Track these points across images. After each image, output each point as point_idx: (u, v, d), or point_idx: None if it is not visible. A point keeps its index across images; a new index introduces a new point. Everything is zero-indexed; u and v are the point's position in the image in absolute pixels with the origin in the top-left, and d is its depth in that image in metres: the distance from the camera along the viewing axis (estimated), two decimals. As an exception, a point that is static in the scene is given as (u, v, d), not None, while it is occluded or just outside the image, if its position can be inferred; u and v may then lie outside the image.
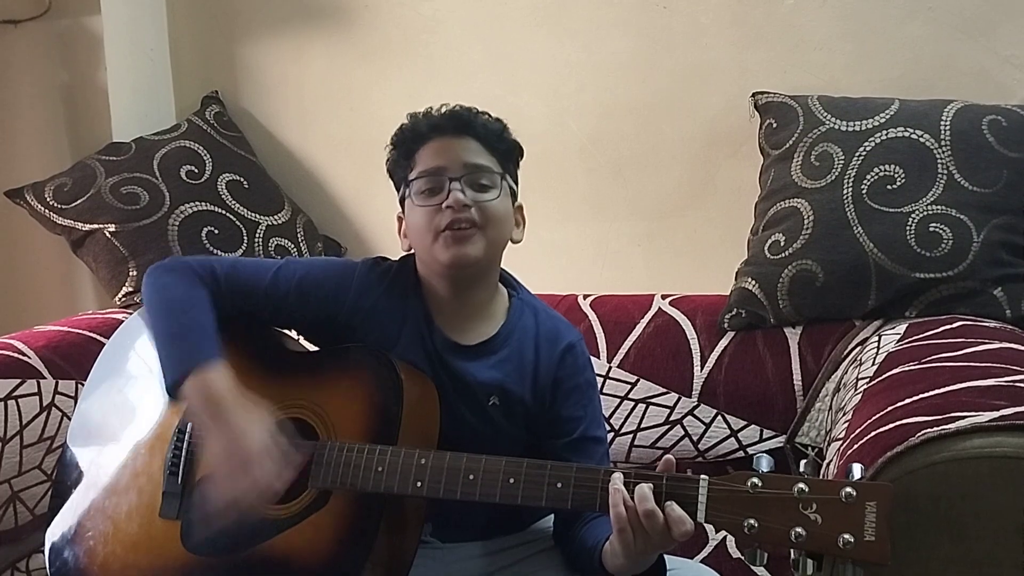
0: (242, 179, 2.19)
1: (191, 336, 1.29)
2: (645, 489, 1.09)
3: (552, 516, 1.39)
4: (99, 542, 1.36)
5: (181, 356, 1.26)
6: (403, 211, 1.39)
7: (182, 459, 1.35)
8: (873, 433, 1.18)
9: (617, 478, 1.11)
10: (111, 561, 1.35)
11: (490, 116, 1.37)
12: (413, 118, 1.37)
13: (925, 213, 1.67)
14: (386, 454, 1.22)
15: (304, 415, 1.31)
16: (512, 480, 1.17)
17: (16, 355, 1.67)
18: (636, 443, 1.78)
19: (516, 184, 1.38)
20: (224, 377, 1.25)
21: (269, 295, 1.36)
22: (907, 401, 1.23)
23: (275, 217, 2.18)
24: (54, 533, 1.41)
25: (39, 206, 2.08)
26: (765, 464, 1.09)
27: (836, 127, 1.77)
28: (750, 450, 1.72)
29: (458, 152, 1.33)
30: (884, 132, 1.73)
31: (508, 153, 1.37)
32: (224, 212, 2.12)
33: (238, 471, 1.19)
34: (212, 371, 1.24)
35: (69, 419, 1.66)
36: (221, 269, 1.36)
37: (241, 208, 2.14)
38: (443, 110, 1.36)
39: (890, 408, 1.23)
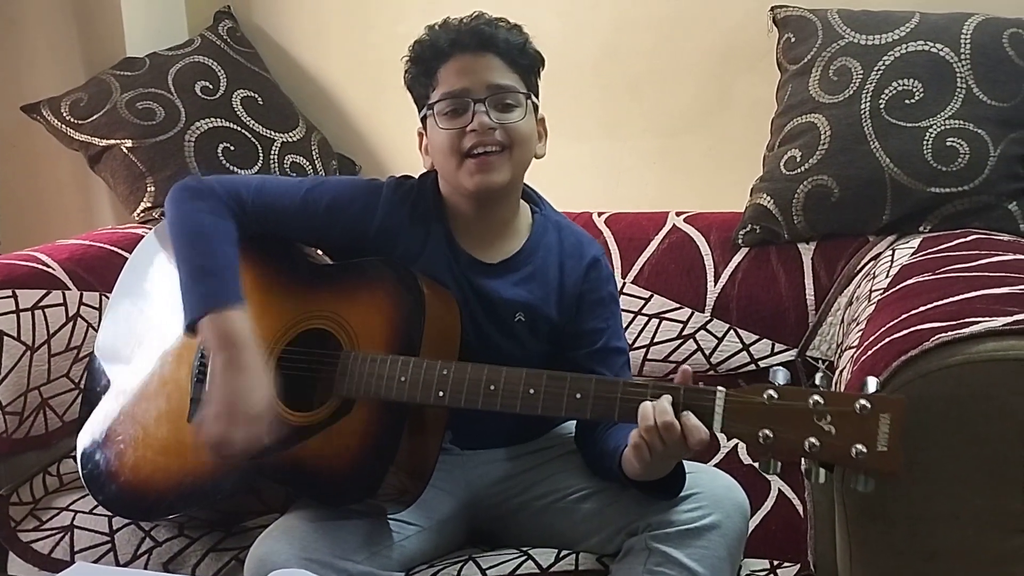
0: (256, 96, 2.18)
1: (215, 273, 1.29)
2: (664, 402, 1.12)
3: (572, 422, 1.41)
4: (129, 446, 1.40)
5: (204, 293, 1.27)
6: (424, 128, 1.37)
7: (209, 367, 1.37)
8: (888, 339, 1.18)
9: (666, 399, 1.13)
10: (142, 464, 1.39)
11: (511, 26, 1.34)
12: (432, 31, 1.34)
13: (943, 127, 1.66)
14: (408, 365, 1.24)
15: (327, 326, 1.33)
16: (532, 391, 1.20)
17: (41, 267, 1.69)
18: (649, 357, 1.79)
19: (537, 97, 1.36)
20: (241, 322, 1.25)
21: (299, 216, 1.36)
22: (921, 309, 1.24)
23: (290, 134, 2.18)
24: (84, 439, 1.44)
25: (56, 121, 2.07)
26: (782, 377, 1.11)
27: (855, 41, 1.75)
28: (762, 363, 1.73)
29: (481, 72, 1.30)
30: (904, 46, 1.71)
31: (531, 67, 1.35)
32: (239, 129, 2.11)
33: (231, 422, 1.22)
34: (231, 313, 1.25)
35: (95, 329, 1.68)
36: (248, 193, 1.36)
37: (256, 125, 2.14)
38: (463, 23, 1.32)
39: (904, 316, 1.23)
